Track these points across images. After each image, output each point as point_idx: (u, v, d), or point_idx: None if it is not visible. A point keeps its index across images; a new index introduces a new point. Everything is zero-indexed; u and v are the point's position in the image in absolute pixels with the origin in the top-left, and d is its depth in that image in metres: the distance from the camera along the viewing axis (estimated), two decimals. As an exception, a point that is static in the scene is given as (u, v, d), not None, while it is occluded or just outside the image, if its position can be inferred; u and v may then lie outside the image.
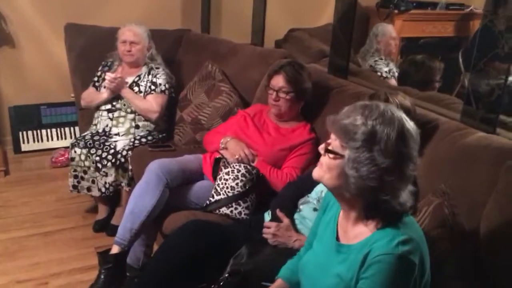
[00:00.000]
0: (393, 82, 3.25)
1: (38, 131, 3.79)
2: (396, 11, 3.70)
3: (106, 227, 2.75)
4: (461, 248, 1.38)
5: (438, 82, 2.96)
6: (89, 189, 2.69)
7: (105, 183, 2.64)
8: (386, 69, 3.31)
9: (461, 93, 2.89)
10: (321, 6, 4.06)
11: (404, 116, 1.16)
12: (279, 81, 2.26)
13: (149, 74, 2.85)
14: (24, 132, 3.75)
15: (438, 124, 1.81)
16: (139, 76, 2.85)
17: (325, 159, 1.20)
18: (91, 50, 3.08)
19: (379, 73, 3.29)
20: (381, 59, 3.37)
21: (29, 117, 3.74)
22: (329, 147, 1.19)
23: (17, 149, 3.73)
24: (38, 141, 3.79)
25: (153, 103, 2.79)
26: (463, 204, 1.47)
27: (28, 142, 3.76)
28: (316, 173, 1.23)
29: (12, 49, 3.58)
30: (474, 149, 1.60)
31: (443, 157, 1.68)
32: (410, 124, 1.15)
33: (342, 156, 1.15)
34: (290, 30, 3.81)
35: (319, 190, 1.85)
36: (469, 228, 1.43)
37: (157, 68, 2.89)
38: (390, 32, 3.45)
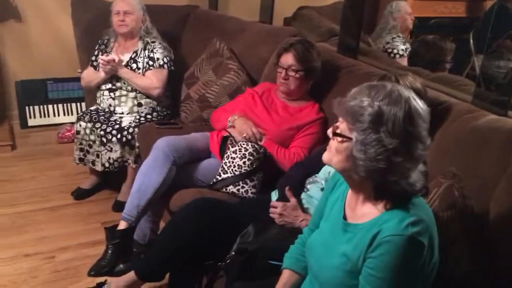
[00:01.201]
0: (407, 61, 3.22)
1: (45, 106, 3.79)
2: (407, -10, 3.65)
3: (85, 197, 2.84)
4: (471, 229, 1.37)
5: (449, 63, 2.92)
6: (93, 163, 2.71)
7: (109, 158, 2.64)
8: (403, 47, 3.27)
9: (471, 75, 2.86)
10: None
11: (412, 95, 1.14)
12: (288, 59, 2.23)
13: (145, 49, 2.80)
14: (31, 107, 3.74)
15: (449, 105, 1.79)
16: (135, 52, 2.80)
17: (333, 143, 1.20)
18: (97, 25, 3.03)
19: (395, 51, 3.25)
20: (399, 36, 3.33)
21: (35, 92, 3.73)
22: (337, 130, 1.18)
23: (23, 124, 3.73)
24: (44, 116, 3.79)
25: (153, 79, 2.75)
26: (473, 187, 1.46)
27: (34, 117, 3.76)
28: (326, 156, 1.23)
29: (19, 23, 3.55)
30: (485, 132, 1.58)
31: (453, 139, 1.66)
32: (418, 103, 1.13)
33: (349, 139, 1.14)
34: (299, 8, 3.75)
35: (327, 170, 1.84)
36: (479, 210, 1.42)
37: (153, 42, 2.83)
38: (405, 7, 3.42)
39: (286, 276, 1.45)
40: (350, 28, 2.55)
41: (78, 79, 3.55)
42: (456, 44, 3.02)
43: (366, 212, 1.21)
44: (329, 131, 1.21)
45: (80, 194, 2.85)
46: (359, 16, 2.50)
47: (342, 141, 1.16)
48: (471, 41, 3.37)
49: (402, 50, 3.25)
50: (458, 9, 3.88)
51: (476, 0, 3.83)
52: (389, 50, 3.29)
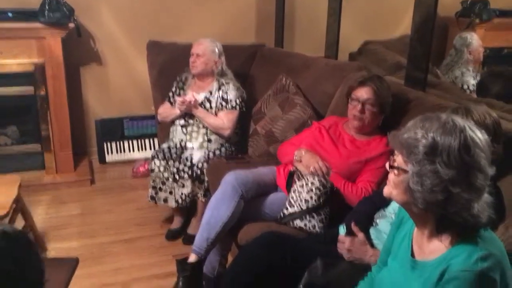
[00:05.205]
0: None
1: (121, 142, 4.01)
2: (477, 21, 3.56)
3: (178, 237, 2.88)
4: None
5: (522, 93, 2.79)
6: (165, 200, 2.81)
7: (182, 194, 2.74)
8: (473, 81, 3.17)
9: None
10: (396, 18, 3.98)
11: (468, 125, 1.13)
12: (365, 93, 2.23)
13: (219, 89, 2.91)
14: (108, 144, 3.98)
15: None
16: (210, 91, 2.92)
17: (391, 176, 1.22)
18: (171, 65, 3.22)
19: (465, 86, 3.16)
20: (468, 70, 3.24)
21: (113, 130, 3.97)
22: (393, 163, 1.20)
23: (102, 159, 3.97)
24: (120, 152, 4.01)
25: (224, 120, 2.85)
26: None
27: (111, 153, 3.98)
28: (386, 190, 1.25)
29: (99, 66, 3.84)
30: None
31: (532, 173, 1.59)
32: (475, 133, 1.12)
33: (405, 171, 1.16)
34: (365, 42, 3.76)
35: (396, 204, 1.80)
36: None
37: (227, 83, 2.93)
38: (478, 40, 3.34)
39: None
40: (418, 60, 2.52)
41: (151, 117, 3.78)
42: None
43: (433, 248, 1.18)
44: (387, 164, 1.23)
45: (173, 235, 2.89)
46: (428, 48, 2.47)
47: (398, 174, 1.18)
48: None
49: (473, 85, 3.15)
50: (533, 38, 3.72)
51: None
52: (459, 85, 3.20)
